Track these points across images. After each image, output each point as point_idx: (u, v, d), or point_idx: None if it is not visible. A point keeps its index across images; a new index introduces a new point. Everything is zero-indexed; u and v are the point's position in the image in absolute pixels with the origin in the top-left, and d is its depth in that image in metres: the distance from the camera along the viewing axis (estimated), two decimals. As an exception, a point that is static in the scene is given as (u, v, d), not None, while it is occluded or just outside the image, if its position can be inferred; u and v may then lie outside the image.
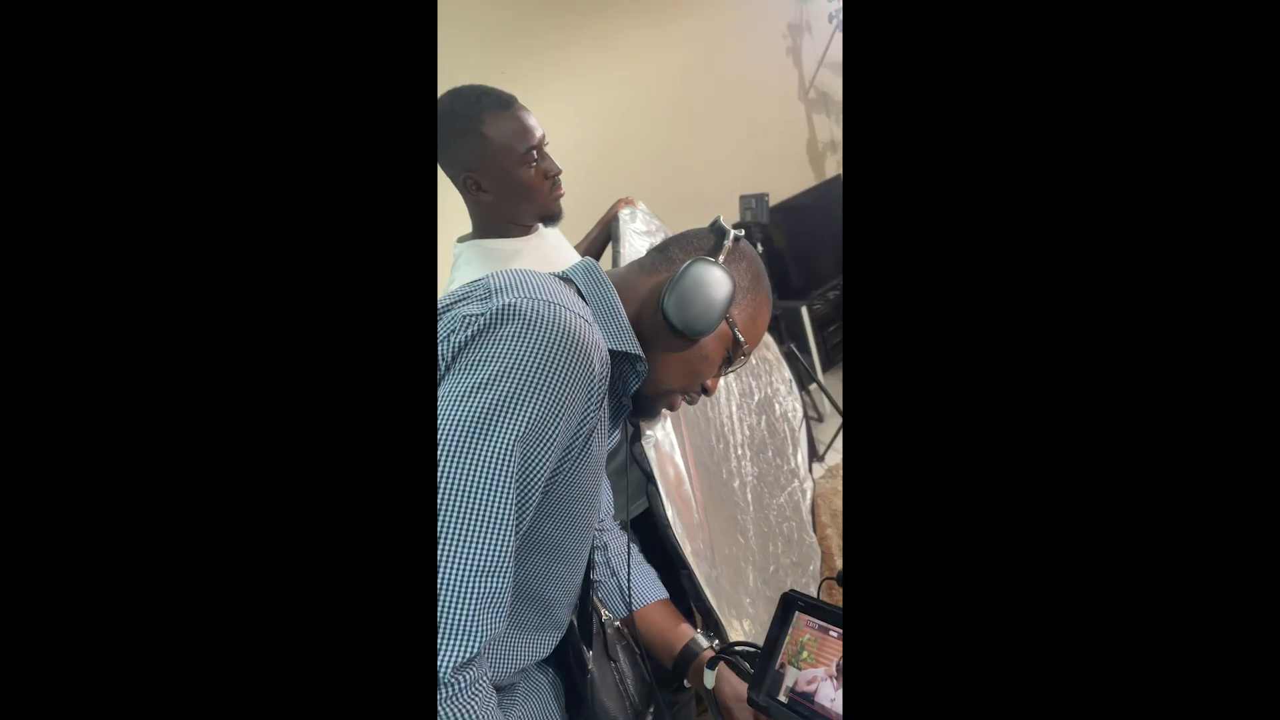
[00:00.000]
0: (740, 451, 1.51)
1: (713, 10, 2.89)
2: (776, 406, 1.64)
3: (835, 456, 2.43)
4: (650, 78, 2.70)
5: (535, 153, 1.10)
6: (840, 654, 0.58)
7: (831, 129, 3.36)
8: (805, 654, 0.60)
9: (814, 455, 2.43)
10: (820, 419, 2.66)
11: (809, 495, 1.65)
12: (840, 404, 2.34)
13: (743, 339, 0.68)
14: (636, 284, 0.69)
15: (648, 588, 0.88)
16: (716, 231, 0.70)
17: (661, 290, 0.64)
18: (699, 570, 1.23)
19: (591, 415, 0.58)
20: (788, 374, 1.67)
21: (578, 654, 0.74)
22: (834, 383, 2.85)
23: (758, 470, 1.55)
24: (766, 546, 1.51)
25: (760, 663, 0.64)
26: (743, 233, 0.71)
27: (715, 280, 0.63)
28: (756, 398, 1.59)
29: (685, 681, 0.79)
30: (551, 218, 1.19)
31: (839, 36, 2.99)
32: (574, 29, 2.52)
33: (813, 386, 2.49)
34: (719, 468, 1.44)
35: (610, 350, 0.62)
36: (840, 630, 0.58)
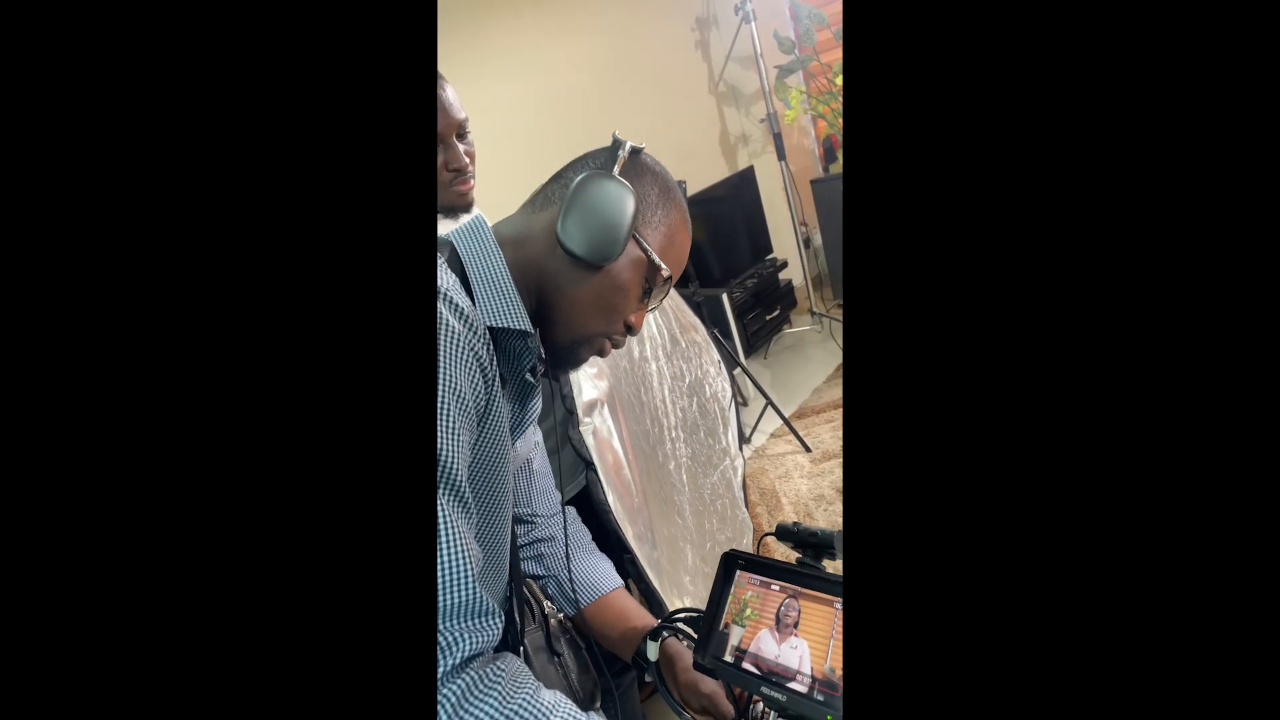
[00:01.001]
0: (674, 434, 1.55)
1: (621, 3, 2.91)
2: (707, 388, 1.68)
3: (760, 439, 2.51)
4: (561, 69, 2.70)
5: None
6: (778, 604, 0.59)
7: (741, 122, 3.45)
8: (749, 611, 0.61)
9: (741, 438, 2.50)
10: (745, 403, 2.73)
11: (739, 472, 1.71)
12: (763, 388, 2.42)
13: (660, 262, 0.60)
14: (531, 225, 0.61)
15: (602, 578, 0.83)
16: (612, 146, 0.62)
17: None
18: (641, 553, 1.26)
19: (464, 398, 0.52)
20: (716, 355, 1.73)
21: (515, 647, 0.71)
22: (754, 367, 2.94)
23: (691, 451, 1.59)
24: (703, 524, 1.56)
25: (704, 626, 0.63)
26: (643, 145, 0.63)
27: (611, 193, 0.57)
28: (688, 380, 1.63)
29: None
30: (453, 210, 1.10)
31: (745, 29, 3.06)
32: (483, 21, 2.48)
33: (736, 371, 2.55)
34: (655, 450, 1.47)
35: (494, 327, 0.57)
36: (781, 583, 0.59)
